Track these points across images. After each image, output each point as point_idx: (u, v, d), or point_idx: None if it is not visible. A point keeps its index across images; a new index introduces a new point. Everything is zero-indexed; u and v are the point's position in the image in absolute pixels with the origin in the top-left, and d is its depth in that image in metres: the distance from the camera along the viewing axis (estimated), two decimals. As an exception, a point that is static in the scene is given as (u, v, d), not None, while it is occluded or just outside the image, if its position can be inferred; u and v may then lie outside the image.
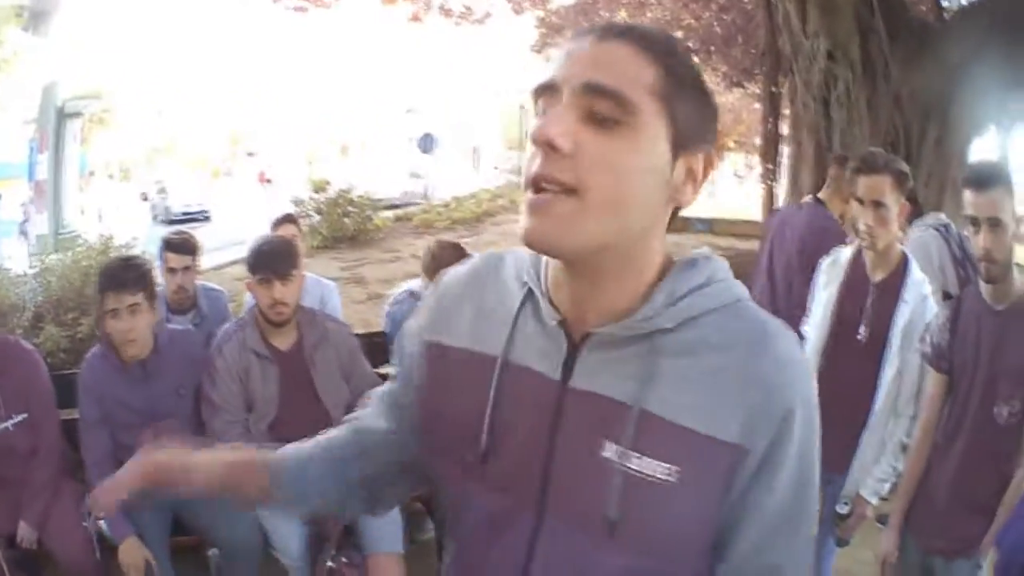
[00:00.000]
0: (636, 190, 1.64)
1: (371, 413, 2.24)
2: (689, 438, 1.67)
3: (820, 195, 7.11)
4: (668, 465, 1.67)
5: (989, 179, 3.86)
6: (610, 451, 1.71)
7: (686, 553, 1.76)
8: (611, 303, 1.76)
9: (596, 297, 1.77)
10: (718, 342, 1.72)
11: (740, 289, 1.83)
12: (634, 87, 1.61)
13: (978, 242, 3.88)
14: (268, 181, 48.79)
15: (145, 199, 56.01)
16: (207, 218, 50.61)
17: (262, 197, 51.77)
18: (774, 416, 1.69)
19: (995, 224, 3.83)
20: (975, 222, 3.89)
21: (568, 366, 1.78)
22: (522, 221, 1.65)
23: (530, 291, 1.89)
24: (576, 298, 1.79)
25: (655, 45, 1.67)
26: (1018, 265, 3.98)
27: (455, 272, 2.10)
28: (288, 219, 7.61)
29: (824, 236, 6.64)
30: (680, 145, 1.69)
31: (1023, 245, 4.07)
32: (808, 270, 5.76)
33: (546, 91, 1.68)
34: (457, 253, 6.36)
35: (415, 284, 7.13)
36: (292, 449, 2.22)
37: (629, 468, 1.69)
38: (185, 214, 49.00)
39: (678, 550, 1.75)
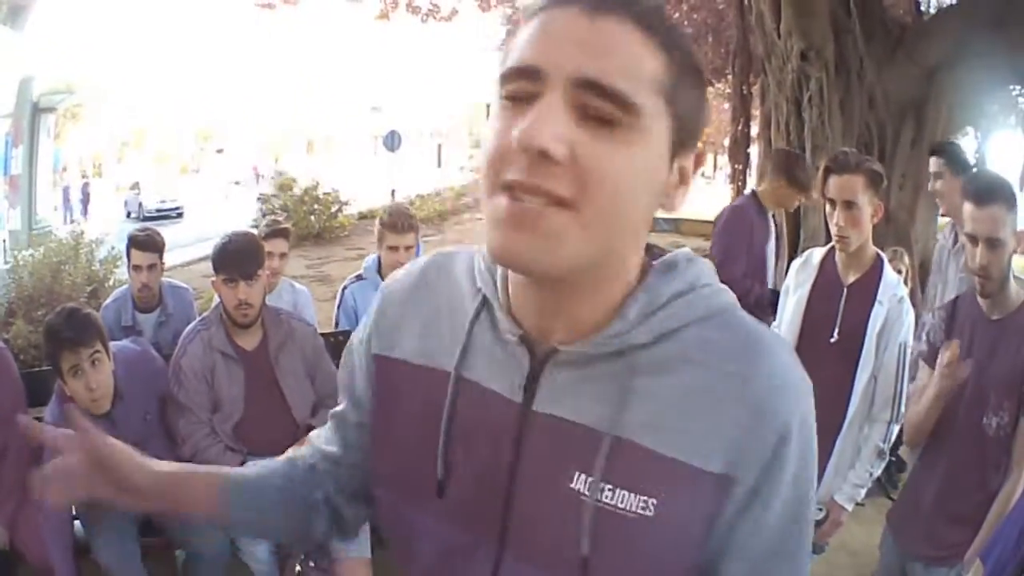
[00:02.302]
0: (636, 200, 1.42)
1: (324, 435, 2.03)
2: (668, 467, 1.47)
3: (758, 188, 7.03)
4: (644, 497, 1.47)
5: (990, 194, 3.83)
6: (579, 483, 1.50)
7: None
8: (582, 316, 1.54)
9: (565, 310, 1.54)
10: (702, 358, 1.51)
11: (728, 296, 1.62)
12: (638, 83, 1.36)
13: (975, 257, 3.86)
14: (262, 176, 48.70)
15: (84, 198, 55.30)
16: (180, 215, 51.52)
17: (230, 193, 51.80)
18: (766, 442, 1.48)
19: (993, 243, 3.81)
20: (973, 239, 3.87)
21: (530, 387, 1.57)
22: (494, 234, 1.39)
23: (485, 299, 1.67)
24: (542, 310, 1.57)
25: (659, 26, 1.41)
26: (1017, 279, 3.97)
27: (401, 275, 1.86)
28: (281, 233, 7.42)
29: (725, 222, 6.69)
30: (679, 146, 1.47)
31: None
32: (718, 261, 5.86)
33: (522, 75, 1.39)
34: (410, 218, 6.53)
35: (366, 262, 7.08)
36: (248, 470, 2.01)
37: (601, 502, 1.48)
38: (159, 211, 49.85)
39: None
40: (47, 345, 5.11)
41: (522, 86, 1.38)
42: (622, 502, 1.47)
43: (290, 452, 2.06)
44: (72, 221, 45.93)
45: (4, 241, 28.28)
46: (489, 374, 1.62)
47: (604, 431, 1.48)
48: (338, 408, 1.98)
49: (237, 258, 5.38)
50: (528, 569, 1.57)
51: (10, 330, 10.78)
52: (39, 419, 5.24)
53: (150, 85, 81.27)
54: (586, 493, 1.49)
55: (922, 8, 16.12)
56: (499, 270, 1.64)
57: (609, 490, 1.48)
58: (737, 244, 6.71)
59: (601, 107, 1.33)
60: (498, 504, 1.58)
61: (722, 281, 1.63)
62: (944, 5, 16.12)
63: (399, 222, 6.58)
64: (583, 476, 1.50)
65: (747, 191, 7.33)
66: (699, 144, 1.54)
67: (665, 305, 1.53)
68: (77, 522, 5.37)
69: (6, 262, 15.03)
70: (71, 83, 48.59)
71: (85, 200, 53.68)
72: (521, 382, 1.57)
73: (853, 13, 13.21)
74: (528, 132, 1.31)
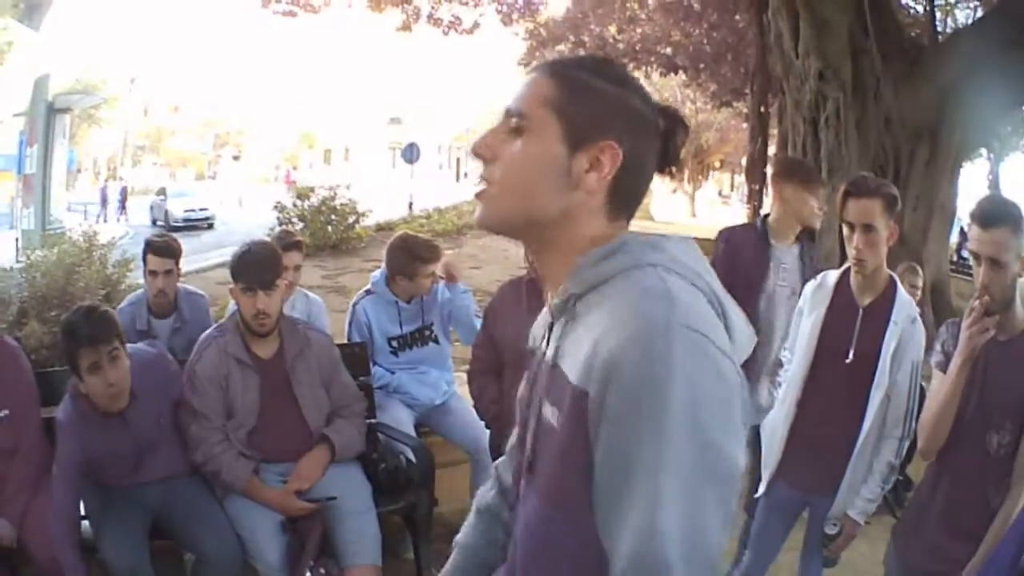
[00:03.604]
0: (531, 176, 2.00)
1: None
2: (568, 386, 1.85)
3: (768, 215, 6.93)
4: (557, 411, 1.90)
5: (995, 218, 3.83)
6: (544, 406, 2.00)
7: (577, 503, 1.82)
8: (557, 278, 2.06)
9: (548, 275, 2.12)
10: (598, 302, 1.92)
11: (654, 257, 1.95)
12: (529, 102, 2.02)
13: (978, 276, 3.87)
14: (293, 183, 46.85)
15: (122, 198, 54.39)
16: (211, 225, 47.18)
17: (247, 199, 51.18)
18: (604, 358, 1.75)
19: (995, 264, 3.81)
20: (977, 258, 3.87)
21: (548, 337, 2.09)
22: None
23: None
24: (543, 279, 2.17)
25: (556, 66, 2.09)
26: None
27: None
28: (295, 245, 7.47)
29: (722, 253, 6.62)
30: (576, 140, 1.99)
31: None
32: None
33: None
34: (417, 237, 6.73)
35: (374, 276, 7.11)
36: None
37: (543, 416, 1.99)
38: (187, 220, 46.23)
39: (568, 496, 1.86)
40: (65, 342, 5.06)
41: None
42: (550, 416, 1.94)
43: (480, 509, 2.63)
44: (104, 221, 45.95)
45: (17, 240, 28.29)
46: (538, 334, 2.20)
47: (551, 363, 2.00)
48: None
49: (256, 267, 5.37)
50: (528, 477, 2.09)
51: (23, 329, 10.77)
52: (51, 418, 5.26)
53: (167, 89, 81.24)
54: (539, 409, 2.02)
55: (938, 28, 16.10)
56: None
57: (549, 408, 1.96)
58: (727, 265, 6.57)
59: (511, 121, 2.03)
60: (528, 440, 2.08)
61: None
62: (960, 25, 16.11)
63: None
64: (543, 399, 2.01)
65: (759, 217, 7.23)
66: (609, 143, 1.98)
67: (595, 264, 1.97)
68: (86, 522, 5.32)
69: (19, 261, 14.99)
70: (87, 84, 48.58)
71: (123, 200, 53.61)
72: (544, 335, 2.13)
73: (871, 33, 13.20)
74: (473, 145, 2.09)
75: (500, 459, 2.62)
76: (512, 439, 2.41)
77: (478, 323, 6.65)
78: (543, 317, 2.17)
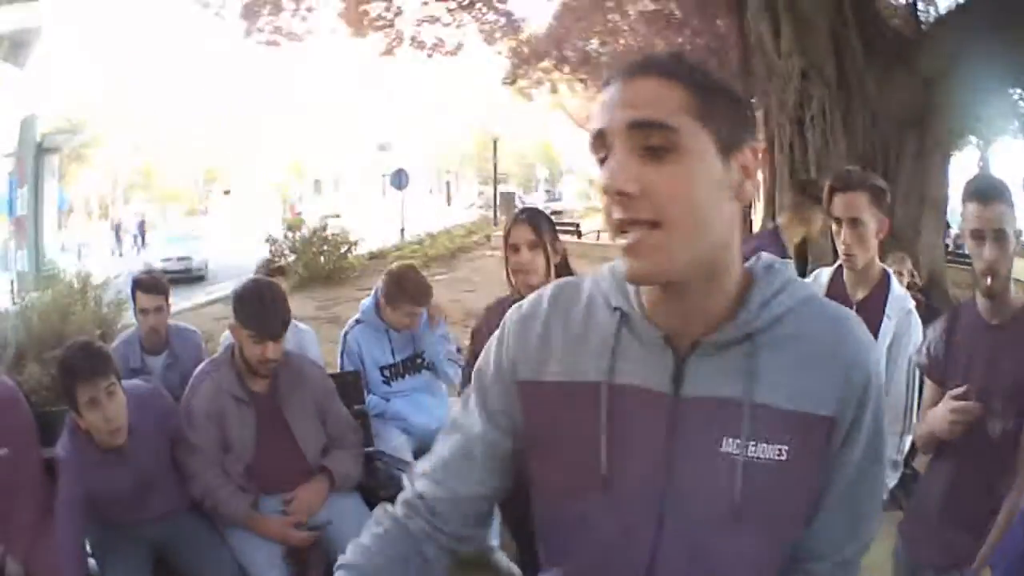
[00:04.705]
0: (708, 205, 1.78)
1: (429, 482, 2.21)
2: (793, 418, 1.86)
3: (779, 221, 6.99)
4: (779, 446, 1.86)
5: (993, 192, 3.83)
6: (729, 446, 1.87)
7: (799, 518, 1.96)
8: (711, 312, 1.90)
9: (698, 309, 1.90)
10: (806, 334, 1.91)
11: (810, 287, 2.01)
12: (671, 113, 1.75)
13: (982, 255, 3.85)
14: (298, 214, 45.52)
15: (116, 234, 54.08)
16: (200, 277, 40.42)
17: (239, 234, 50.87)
18: (857, 388, 1.89)
19: (1000, 236, 3.79)
20: (979, 235, 3.85)
21: (677, 378, 1.91)
22: (624, 263, 1.81)
23: (623, 314, 1.99)
24: (678, 313, 1.91)
25: (675, 68, 1.81)
26: (1018, 280, 3.96)
27: (529, 306, 2.16)
28: (279, 271, 7.65)
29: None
30: (727, 149, 1.81)
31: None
32: None
33: (597, 140, 1.82)
34: (417, 275, 6.72)
35: (363, 305, 7.13)
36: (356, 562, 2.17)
37: (749, 456, 1.86)
38: (166, 273, 37.72)
39: (792, 521, 1.95)
40: (62, 379, 5.03)
41: (598, 147, 1.83)
42: (763, 453, 1.86)
43: (382, 518, 2.25)
44: (120, 255, 45.74)
45: (12, 283, 28.32)
46: (637, 375, 1.95)
47: (744, 399, 1.86)
48: (459, 447, 2.21)
49: (267, 317, 5.33)
50: (686, 529, 1.91)
51: (23, 372, 10.80)
52: (51, 458, 5.24)
53: (155, 125, 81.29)
54: (735, 452, 1.87)
55: (920, 18, 16.11)
56: (630, 288, 1.99)
57: (754, 446, 1.86)
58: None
59: (653, 139, 1.74)
60: (659, 484, 1.92)
61: None
62: (942, 13, 16.13)
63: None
64: (731, 440, 1.87)
65: (770, 225, 7.26)
66: (753, 139, 1.88)
67: (775, 296, 1.92)
68: (92, 560, 5.33)
69: (14, 303, 15.00)
70: (75, 123, 48.66)
71: (142, 233, 53.64)
72: (669, 375, 1.92)
73: (852, 28, 13.21)
74: (608, 181, 1.76)
75: (422, 483, 2.21)
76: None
77: (452, 369, 6.93)
78: (635, 353, 1.96)
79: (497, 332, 2.19)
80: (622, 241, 1.78)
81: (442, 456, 2.22)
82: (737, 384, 1.87)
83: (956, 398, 3.93)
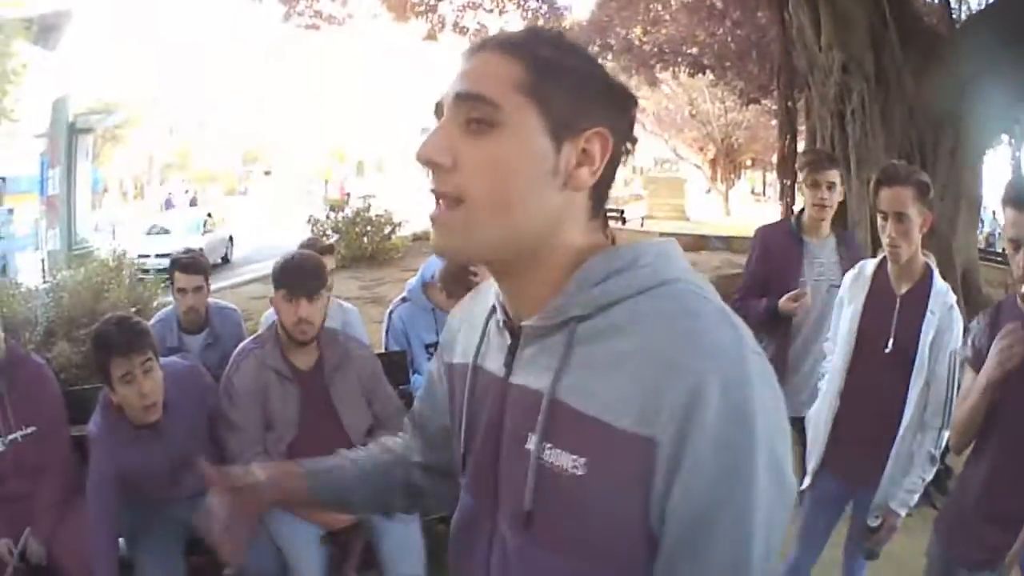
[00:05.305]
0: (518, 185, 1.69)
1: (406, 437, 2.44)
2: (594, 428, 1.63)
3: (802, 211, 6.86)
4: (576, 457, 1.66)
5: None
6: (531, 443, 1.74)
7: (609, 553, 1.67)
8: (532, 294, 1.80)
9: (522, 292, 1.83)
10: (631, 327, 1.67)
11: (673, 271, 1.76)
12: (496, 87, 1.69)
13: (1018, 261, 3.82)
14: (348, 195, 44.63)
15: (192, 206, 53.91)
16: (225, 258, 35.26)
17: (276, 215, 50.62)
18: (677, 400, 1.55)
19: None
20: (1016, 243, 3.83)
21: (509, 363, 1.86)
22: (432, 235, 1.79)
23: (497, 300, 1.94)
24: (511, 297, 1.87)
25: (519, 43, 1.74)
26: None
27: (469, 294, 2.26)
28: (327, 250, 7.54)
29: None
30: (560, 131, 1.71)
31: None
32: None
33: (437, 110, 1.80)
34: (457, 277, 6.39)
35: (409, 284, 7.11)
36: (324, 463, 2.39)
37: (543, 460, 1.71)
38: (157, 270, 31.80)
39: (597, 548, 1.67)
40: (96, 353, 5.01)
41: (437, 117, 1.80)
42: (558, 460, 1.68)
43: (379, 443, 2.50)
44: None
45: (43, 261, 28.44)
46: (491, 357, 1.95)
47: (546, 395, 1.72)
48: (415, 407, 2.42)
49: (300, 275, 5.29)
50: (505, 527, 1.84)
51: (52, 349, 10.82)
52: (82, 436, 5.23)
53: (192, 106, 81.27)
54: (534, 451, 1.73)
55: (954, 15, 16.06)
56: None
57: (549, 449, 1.70)
58: (759, 263, 6.60)
59: (474, 112, 1.69)
60: (492, 470, 1.88)
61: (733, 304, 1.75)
62: (974, 10, 16.06)
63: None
64: (533, 437, 1.73)
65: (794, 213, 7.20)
66: (598, 130, 1.73)
67: (602, 281, 1.73)
68: (121, 539, 5.30)
69: (45, 282, 15.04)
70: (109, 104, 48.73)
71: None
72: (504, 359, 1.88)
73: (889, 23, 13.14)
74: (421, 149, 1.73)
75: (413, 424, 2.41)
76: (458, 442, 2.05)
77: None
78: (494, 337, 1.95)
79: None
80: (431, 211, 1.76)
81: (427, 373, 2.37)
82: (546, 376, 1.74)
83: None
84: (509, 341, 1.87)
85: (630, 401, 1.59)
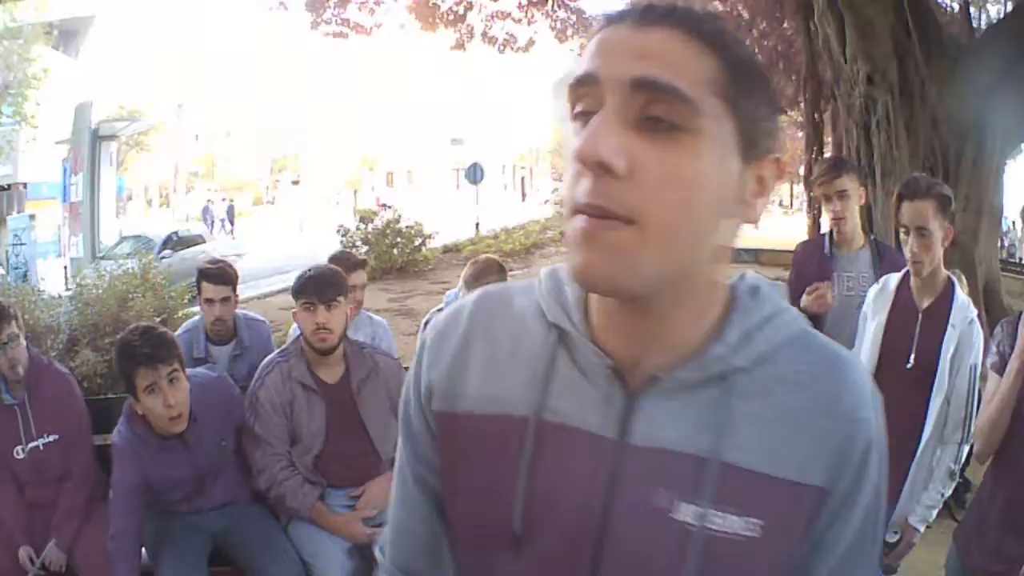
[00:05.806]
0: (706, 212, 1.35)
1: (398, 537, 1.93)
2: (774, 487, 1.44)
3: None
4: (751, 519, 1.43)
5: None
6: (686, 513, 1.43)
7: None
8: (677, 340, 1.47)
9: (661, 335, 1.47)
10: (795, 378, 1.48)
11: (802, 321, 1.56)
12: (692, 82, 1.30)
13: None
14: (384, 206, 44.09)
15: (205, 219, 53.85)
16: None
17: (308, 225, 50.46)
18: (856, 452, 1.47)
19: None
20: None
21: (625, 420, 1.48)
22: (572, 255, 1.34)
23: (561, 333, 1.55)
24: (635, 338, 1.48)
25: (709, 29, 1.35)
26: None
27: (446, 321, 1.73)
28: (359, 264, 7.42)
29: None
30: (750, 150, 1.39)
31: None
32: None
33: (581, 87, 1.36)
34: (499, 266, 6.41)
35: (448, 295, 7.07)
36: None
37: (710, 529, 1.43)
38: None
39: None
40: (121, 363, 4.94)
41: (584, 99, 1.36)
42: (730, 527, 1.42)
43: None
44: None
45: (66, 268, 28.50)
46: (574, 412, 1.51)
47: (711, 457, 1.43)
48: (399, 499, 1.90)
49: (316, 283, 5.30)
50: None
51: (76, 358, 10.84)
52: (105, 445, 5.24)
53: (218, 114, 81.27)
54: (692, 522, 1.43)
55: (974, 25, 16.06)
56: (571, 299, 1.56)
57: (719, 517, 1.42)
58: (794, 282, 6.59)
59: (659, 108, 1.29)
60: (587, 550, 1.49)
61: None
62: (993, 20, 16.06)
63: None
64: (690, 506, 1.43)
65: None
66: (776, 156, 1.46)
67: (761, 328, 1.49)
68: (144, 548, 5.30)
69: (68, 289, 15.05)
70: (133, 110, 48.84)
71: (231, 217, 54.31)
72: (615, 415, 1.48)
73: (912, 34, 13.13)
74: (586, 146, 1.28)
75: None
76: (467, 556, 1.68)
77: None
78: (571, 382, 1.52)
79: (416, 352, 1.75)
80: (577, 223, 1.32)
81: (393, 515, 1.92)
82: (703, 436, 1.44)
83: None
84: (621, 393, 1.49)
85: (815, 456, 1.45)
